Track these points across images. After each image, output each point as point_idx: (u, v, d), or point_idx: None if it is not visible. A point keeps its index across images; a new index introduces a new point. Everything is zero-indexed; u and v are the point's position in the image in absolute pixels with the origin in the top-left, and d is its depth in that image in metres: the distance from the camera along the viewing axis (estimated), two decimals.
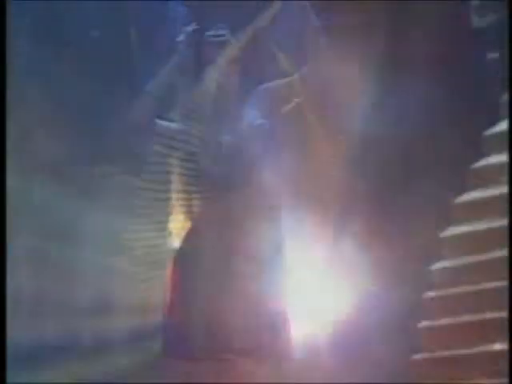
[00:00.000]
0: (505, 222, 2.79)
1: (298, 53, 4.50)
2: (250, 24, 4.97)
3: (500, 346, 2.56)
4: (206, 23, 4.35)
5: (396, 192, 5.12)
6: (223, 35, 4.10)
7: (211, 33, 4.06)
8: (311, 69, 4.29)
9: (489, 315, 2.69)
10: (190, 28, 4.07)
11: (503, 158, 3.97)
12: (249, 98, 4.18)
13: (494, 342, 2.61)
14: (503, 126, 3.49)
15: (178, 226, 4.27)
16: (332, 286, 4.83)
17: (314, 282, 4.79)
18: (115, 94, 4.73)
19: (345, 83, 4.85)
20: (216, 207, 4.09)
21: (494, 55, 5.35)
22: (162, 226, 4.45)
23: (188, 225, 4.19)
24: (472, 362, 2.80)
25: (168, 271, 4.26)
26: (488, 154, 4.14)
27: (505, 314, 2.62)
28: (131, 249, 4.95)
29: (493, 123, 4.99)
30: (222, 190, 4.08)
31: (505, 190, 2.93)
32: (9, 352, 3.32)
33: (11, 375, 3.39)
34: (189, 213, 4.28)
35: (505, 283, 2.53)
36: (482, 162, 4.10)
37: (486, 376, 2.67)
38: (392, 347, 4.48)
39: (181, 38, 4.08)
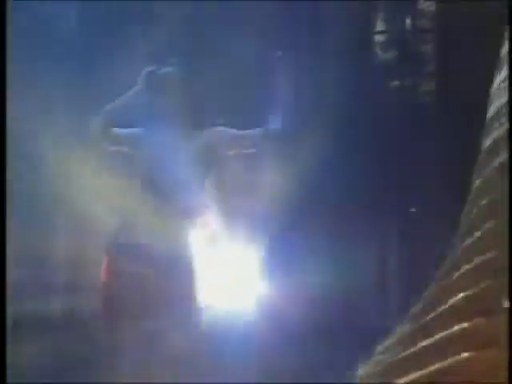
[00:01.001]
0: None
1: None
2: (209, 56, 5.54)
3: None
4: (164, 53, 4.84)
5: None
6: (171, 73, 4.31)
7: (162, 71, 4.29)
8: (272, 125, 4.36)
9: None
10: (149, 68, 4.31)
11: None
12: (198, 134, 4.34)
13: None
14: None
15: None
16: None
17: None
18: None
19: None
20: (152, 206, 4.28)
21: (394, 83, 6.27)
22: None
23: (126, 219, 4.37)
24: None
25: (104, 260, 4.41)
26: None
27: None
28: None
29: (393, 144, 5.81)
30: (162, 195, 4.29)
31: None
32: None
33: None
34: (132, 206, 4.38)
35: None
36: None
37: None
38: None
39: (142, 74, 4.30)
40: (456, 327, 1.28)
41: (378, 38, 6.24)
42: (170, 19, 5.99)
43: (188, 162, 4.27)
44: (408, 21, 6.13)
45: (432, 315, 1.42)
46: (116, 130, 4.32)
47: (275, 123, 4.34)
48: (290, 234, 5.78)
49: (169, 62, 4.36)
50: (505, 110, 1.85)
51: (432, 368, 1.29)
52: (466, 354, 1.24)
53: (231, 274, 4.90)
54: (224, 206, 4.70)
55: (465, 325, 1.26)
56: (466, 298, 1.33)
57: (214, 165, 4.40)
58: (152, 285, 4.20)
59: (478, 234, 1.34)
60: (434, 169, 5.67)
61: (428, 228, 5.63)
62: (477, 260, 1.37)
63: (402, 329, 1.44)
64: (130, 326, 4.16)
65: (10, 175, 3.51)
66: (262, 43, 5.73)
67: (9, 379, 2.93)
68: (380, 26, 6.24)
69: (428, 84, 6.16)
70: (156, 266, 4.21)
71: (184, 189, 4.27)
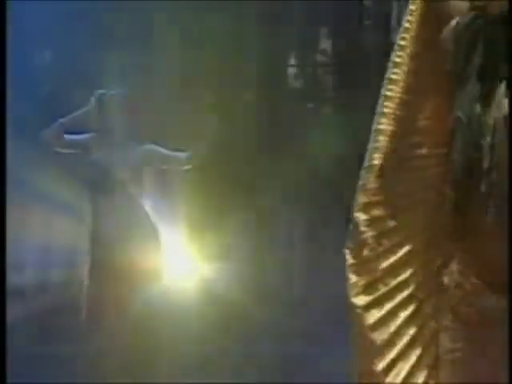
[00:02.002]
0: None
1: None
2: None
3: None
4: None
5: None
6: (118, 96, 4.78)
7: (110, 94, 4.77)
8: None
9: None
10: (99, 91, 4.80)
11: None
12: (136, 147, 4.73)
13: None
14: None
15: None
16: None
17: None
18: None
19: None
20: (106, 202, 4.72)
21: (302, 106, 7.40)
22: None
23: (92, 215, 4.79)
24: None
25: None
26: None
27: None
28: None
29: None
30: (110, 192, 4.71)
31: None
32: None
33: None
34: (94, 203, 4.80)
35: None
36: None
37: None
38: None
39: (94, 95, 4.78)
40: None
41: (291, 70, 7.45)
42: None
43: (128, 168, 4.71)
44: (312, 57, 7.36)
45: None
46: (67, 136, 4.74)
47: (199, 149, 4.78)
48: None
49: (117, 88, 4.91)
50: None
51: None
52: None
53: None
54: (159, 206, 5.07)
55: None
56: None
57: (150, 173, 4.83)
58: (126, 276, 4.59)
59: None
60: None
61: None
62: None
63: None
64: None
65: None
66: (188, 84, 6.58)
67: None
68: (292, 60, 7.45)
69: (327, 106, 7.40)
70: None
71: (124, 190, 4.70)
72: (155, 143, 4.86)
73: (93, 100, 4.78)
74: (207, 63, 6.83)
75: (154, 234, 4.76)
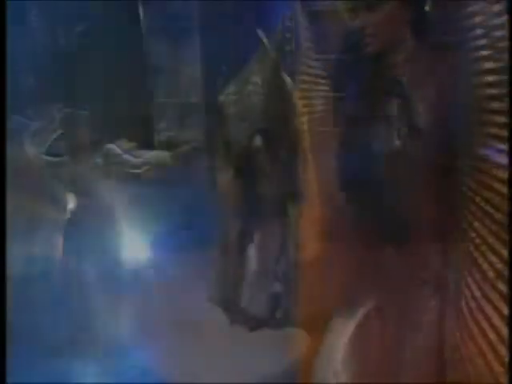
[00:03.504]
0: None
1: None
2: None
3: None
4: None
5: None
6: (81, 114, 5.84)
7: (75, 113, 5.31)
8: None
9: None
10: (58, 107, 5.97)
11: None
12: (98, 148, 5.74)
13: None
14: None
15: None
16: None
17: None
18: None
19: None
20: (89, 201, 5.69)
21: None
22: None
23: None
24: None
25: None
26: None
27: None
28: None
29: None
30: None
31: None
32: None
33: None
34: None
35: None
36: None
37: None
38: None
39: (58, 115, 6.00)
40: None
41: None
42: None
43: (95, 167, 5.98)
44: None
45: None
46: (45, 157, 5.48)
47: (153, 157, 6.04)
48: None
49: (81, 107, 6.03)
50: None
51: None
52: None
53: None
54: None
55: None
56: None
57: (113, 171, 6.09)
58: None
59: None
60: None
61: None
62: None
63: None
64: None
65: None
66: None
67: None
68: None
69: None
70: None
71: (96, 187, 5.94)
72: (112, 142, 5.84)
73: (53, 116, 5.61)
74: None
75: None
